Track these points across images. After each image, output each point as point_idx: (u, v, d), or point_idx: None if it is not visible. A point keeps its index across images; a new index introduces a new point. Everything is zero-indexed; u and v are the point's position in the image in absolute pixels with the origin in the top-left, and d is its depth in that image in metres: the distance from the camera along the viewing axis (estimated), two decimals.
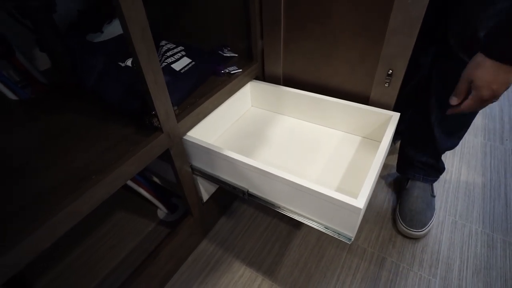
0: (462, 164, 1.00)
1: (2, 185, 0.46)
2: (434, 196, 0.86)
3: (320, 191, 0.47)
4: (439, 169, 0.84)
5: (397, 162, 0.91)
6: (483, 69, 0.51)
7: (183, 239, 0.73)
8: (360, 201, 0.45)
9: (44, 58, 0.79)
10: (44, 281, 0.70)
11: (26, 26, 0.49)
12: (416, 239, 0.79)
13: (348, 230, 0.50)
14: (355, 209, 0.45)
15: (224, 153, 0.56)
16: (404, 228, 0.78)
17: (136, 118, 0.57)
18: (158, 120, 0.53)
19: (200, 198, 0.74)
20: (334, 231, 0.52)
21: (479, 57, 0.52)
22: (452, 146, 0.80)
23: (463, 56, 0.61)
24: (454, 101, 0.60)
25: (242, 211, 0.88)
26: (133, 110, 0.54)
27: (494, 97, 0.54)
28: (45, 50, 0.49)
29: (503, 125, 1.17)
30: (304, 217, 0.54)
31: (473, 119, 0.73)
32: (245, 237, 0.81)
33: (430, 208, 0.82)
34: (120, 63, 0.58)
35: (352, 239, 0.51)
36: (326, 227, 0.52)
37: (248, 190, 0.59)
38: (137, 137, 0.54)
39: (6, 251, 0.36)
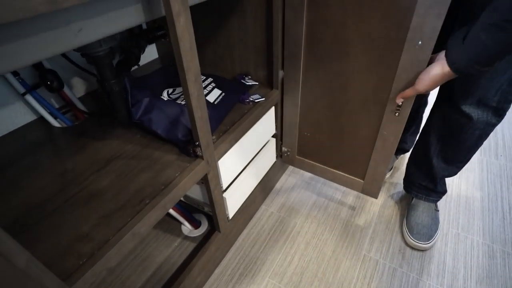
0: (462, 179, 1.08)
1: (76, 207, 0.52)
2: (438, 211, 0.93)
3: None
4: (438, 192, 0.90)
5: (403, 180, 0.98)
6: (436, 75, 0.58)
7: (211, 253, 0.79)
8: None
9: (79, 86, 0.86)
10: None
11: (88, 72, 0.56)
12: (423, 250, 0.86)
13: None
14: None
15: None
16: (412, 241, 0.86)
17: (177, 146, 0.64)
18: (201, 149, 0.60)
19: (227, 216, 0.80)
20: None
21: (440, 67, 0.57)
22: (450, 174, 0.85)
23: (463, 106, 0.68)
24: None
25: (261, 226, 0.95)
26: (178, 140, 0.61)
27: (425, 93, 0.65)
28: (104, 90, 0.56)
29: (497, 141, 1.26)
30: None
31: (473, 153, 0.78)
32: (265, 250, 0.88)
33: (435, 221, 0.89)
34: (163, 97, 0.65)
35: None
36: None
37: None
38: (181, 163, 0.61)
39: (94, 262, 0.43)
